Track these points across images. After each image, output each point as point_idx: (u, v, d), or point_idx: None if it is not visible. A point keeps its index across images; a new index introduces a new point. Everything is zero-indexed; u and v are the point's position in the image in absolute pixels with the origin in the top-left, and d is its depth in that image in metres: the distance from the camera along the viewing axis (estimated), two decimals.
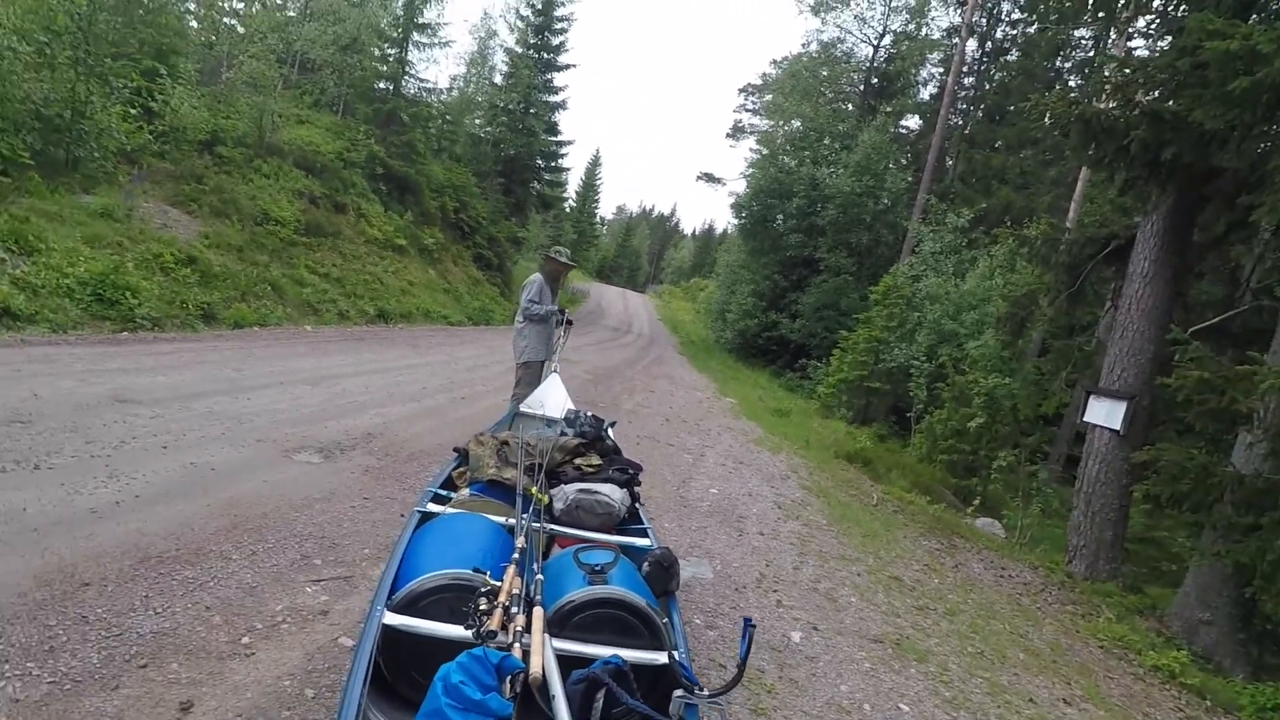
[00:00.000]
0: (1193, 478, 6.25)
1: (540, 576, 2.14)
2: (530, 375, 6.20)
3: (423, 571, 2.07)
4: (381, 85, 22.19)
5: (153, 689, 2.50)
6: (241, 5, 20.54)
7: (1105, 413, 7.60)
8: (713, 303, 33.96)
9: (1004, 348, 10.09)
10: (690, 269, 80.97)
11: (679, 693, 1.84)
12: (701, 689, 1.85)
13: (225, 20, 19.00)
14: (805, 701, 3.36)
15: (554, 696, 1.64)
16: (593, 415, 4.27)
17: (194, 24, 18.25)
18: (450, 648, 1.72)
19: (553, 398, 5.14)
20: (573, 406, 4.72)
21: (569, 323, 6.37)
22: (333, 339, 10.66)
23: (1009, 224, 17.28)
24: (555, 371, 5.76)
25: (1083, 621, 5.92)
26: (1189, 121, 5.96)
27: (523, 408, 5.03)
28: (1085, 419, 7.82)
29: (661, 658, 2.04)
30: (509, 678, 1.57)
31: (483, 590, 1.89)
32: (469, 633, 1.76)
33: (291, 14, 20.11)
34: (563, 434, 3.80)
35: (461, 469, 3.29)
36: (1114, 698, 4.52)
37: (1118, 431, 7.41)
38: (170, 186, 12.63)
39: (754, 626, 1.86)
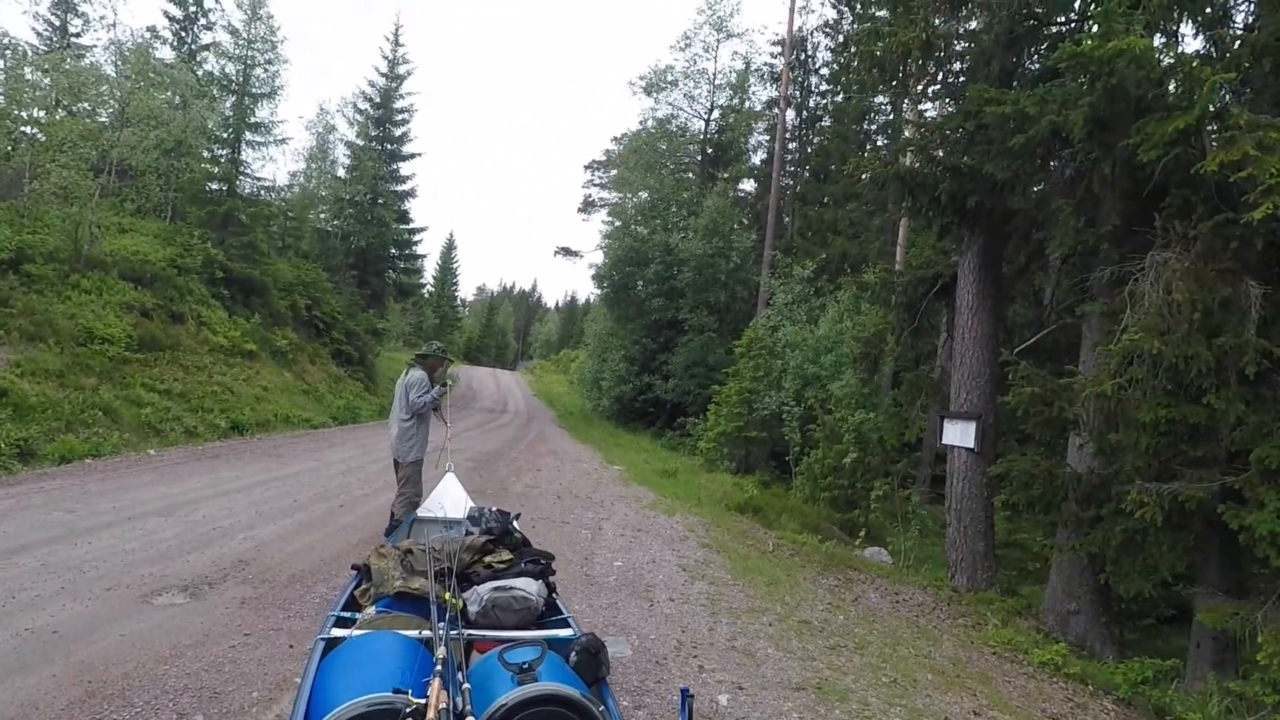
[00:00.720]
0: (1041, 482, 6.97)
1: (466, 685, 2.02)
2: (417, 473, 6.23)
3: (336, 704, 1.90)
4: (214, 186, 21.08)
5: None
6: (43, 114, 18.99)
7: (959, 433, 8.36)
8: (585, 372, 34.22)
9: (863, 385, 10.90)
10: (558, 341, 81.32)
11: None
12: None
13: (24, 129, 17.44)
14: None
15: None
16: (497, 510, 4.18)
17: None
18: None
19: (450, 497, 4.98)
20: (473, 504, 4.58)
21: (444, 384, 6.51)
22: (182, 460, 9.67)
23: (849, 271, 18.92)
24: (450, 470, 5.61)
25: (974, 632, 6.33)
26: (983, 173, 6.90)
27: (420, 512, 4.88)
28: (943, 441, 8.55)
29: None
30: None
31: (407, 711, 1.78)
32: None
33: (104, 120, 18.78)
34: (468, 533, 3.69)
35: (364, 587, 3.12)
36: (1014, 700, 4.84)
37: (973, 449, 8.16)
38: None
39: (692, 696, 1.84)
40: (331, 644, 2.50)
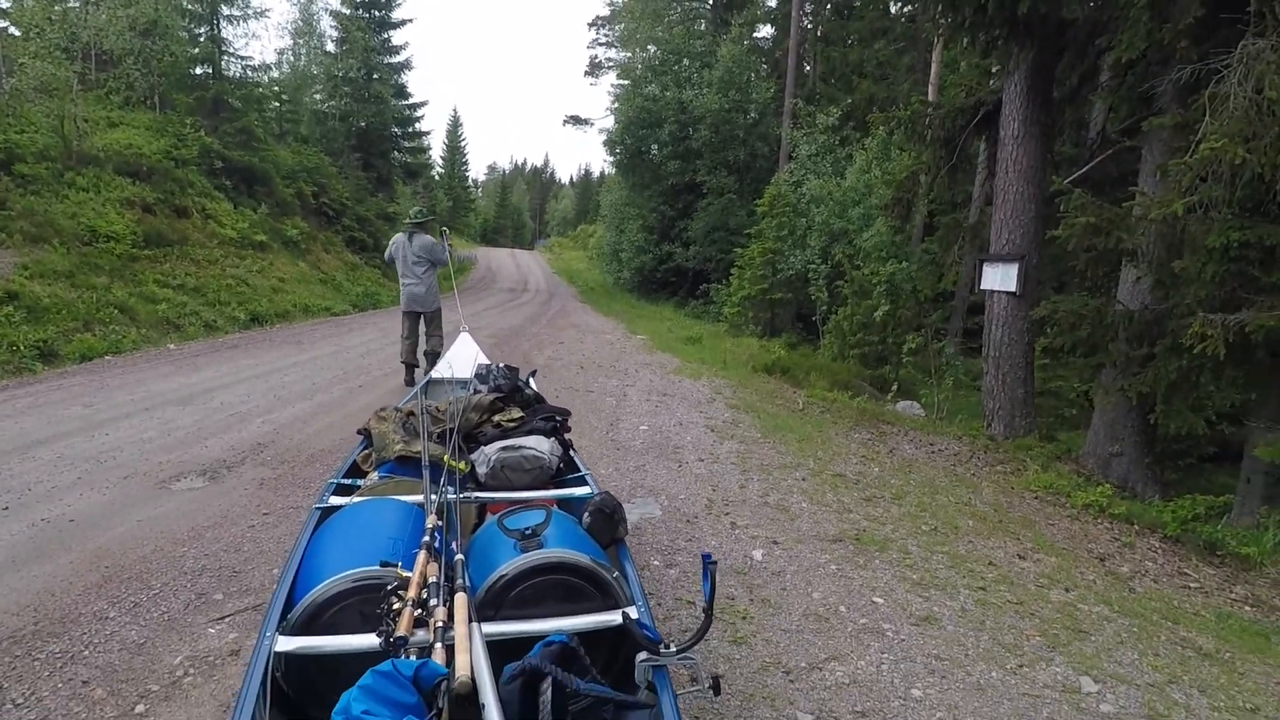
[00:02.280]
0: (1089, 323, 6.53)
1: (460, 556, 1.84)
2: (440, 317, 7.67)
3: (324, 578, 1.74)
4: (198, 71, 19.91)
5: None
6: (9, 4, 17.73)
7: (1000, 277, 7.84)
8: (604, 246, 33.47)
9: (895, 233, 10.26)
10: (575, 217, 79.60)
11: (642, 656, 1.60)
12: (667, 645, 1.62)
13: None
14: (781, 618, 3.22)
15: (484, 704, 1.33)
16: (506, 366, 3.92)
17: None
18: (367, 660, 1.39)
19: (461, 357, 4.80)
20: (485, 361, 4.36)
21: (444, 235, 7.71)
22: (201, 353, 9.61)
23: (878, 111, 17.67)
24: (464, 330, 5.54)
25: (1014, 478, 6.15)
26: None
27: (433, 374, 4.76)
28: (982, 286, 8.06)
29: (616, 617, 1.78)
30: (431, 688, 1.28)
31: (392, 586, 1.60)
32: (378, 641, 1.47)
33: (73, 3, 17.47)
34: (475, 391, 3.46)
35: (366, 452, 2.92)
36: (1059, 542, 4.68)
37: (1014, 293, 7.67)
38: None
39: (714, 563, 1.64)
40: (327, 513, 2.33)
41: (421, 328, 7.70)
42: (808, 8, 25.13)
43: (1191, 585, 4.32)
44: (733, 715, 2.54)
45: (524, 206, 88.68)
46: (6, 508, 3.85)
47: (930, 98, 16.62)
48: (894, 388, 9.63)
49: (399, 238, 7.48)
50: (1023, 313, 7.77)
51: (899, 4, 23.54)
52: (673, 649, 1.61)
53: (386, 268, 23.81)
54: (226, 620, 2.94)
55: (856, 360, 12.12)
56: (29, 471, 4.40)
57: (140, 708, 2.40)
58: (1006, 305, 7.83)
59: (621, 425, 6.48)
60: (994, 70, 8.19)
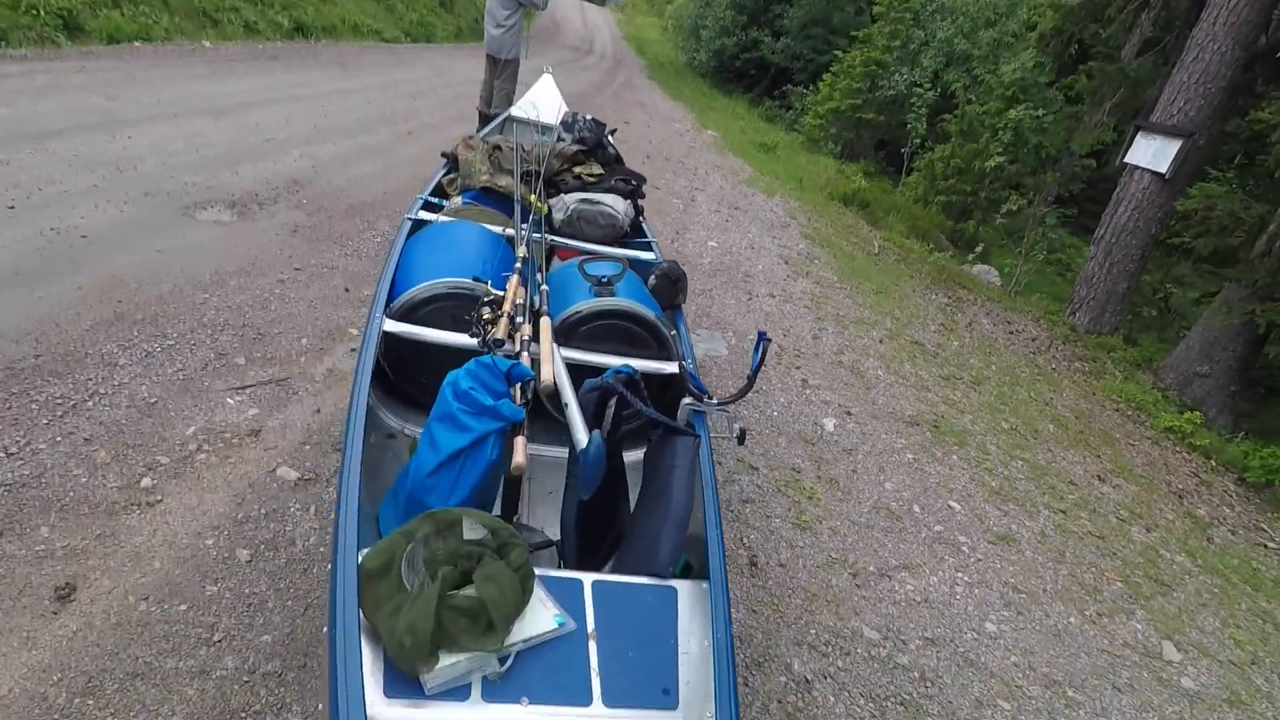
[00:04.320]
0: (1245, 232, 5.61)
1: (545, 287, 2.06)
2: (515, 71, 6.69)
3: (419, 280, 1.95)
4: None
5: (12, 569, 1.80)
6: None
7: (1153, 153, 6.68)
8: (684, 18, 29.90)
9: (1042, 73, 8.71)
10: None
11: (688, 400, 1.80)
12: (710, 397, 1.82)
13: None
14: (850, 507, 2.90)
15: (566, 404, 1.62)
16: (593, 119, 3.80)
17: None
18: (455, 355, 1.66)
19: (546, 100, 4.73)
20: (569, 110, 4.22)
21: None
22: (239, 57, 8.70)
23: None
24: (549, 72, 5.35)
25: (1095, 381, 5.63)
26: None
27: (514, 110, 4.69)
28: (1127, 159, 6.90)
29: (671, 367, 2.02)
30: (519, 385, 1.53)
31: (485, 299, 1.82)
32: (474, 341, 1.71)
33: None
34: (560, 139, 3.48)
35: (451, 176, 3.06)
36: (1138, 468, 4.28)
37: (1162, 175, 6.57)
38: None
39: (769, 340, 1.79)
40: (418, 225, 2.50)
41: (496, 78, 6.81)
42: None
43: (1270, 546, 3.98)
44: (793, 615, 2.28)
45: None
46: (13, 206, 3.43)
47: None
48: (978, 248, 8.75)
49: None
50: (1163, 200, 6.74)
51: None
52: (715, 401, 1.81)
53: None
54: (248, 392, 2.63)
55: (940, 208, 11.05)
56: (41, 166, 3.92)
57: (147, 481, 2.14)
58: (1147, 187, 6.76)
59: (688, 237, 5.86)
60: None
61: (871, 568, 2.59)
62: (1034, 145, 8.42)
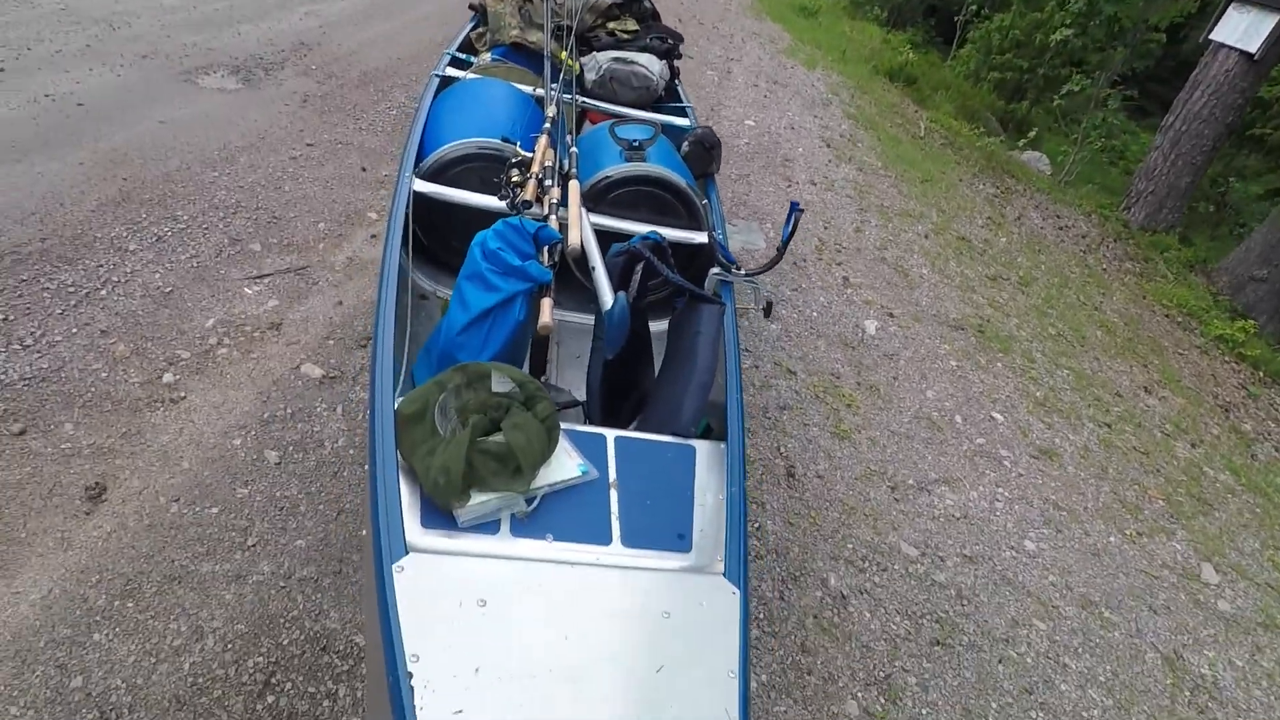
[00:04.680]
0: None
1: (575, 150, 1.99)
2: None
3: (449, 139, 1.90)
4: None
5: (40, 468, 1.75)
6: None
7: (1245, 29, 5.98)
8: None
9: None
10: None
11: (715, 270, 1.78)
12: (738, 268, 1.79)
13: None
14: (890, 416, 2.80)
15: (594, 268, 1.60)
16: None
17: None
18: (484, 217, 1.63)
19: None
20: None
21: None
22: None
23: None
24: None
25: (1145, 283, 5.36)
26: None
27: None
28: (1215, 36, 6.21)
29: (700, 237, 1.97)
30: (546, 247, 1.51)
31: (514, 161, 1.77)
32: (503, 203, 1.67)
33: None
34: None
35: (480, 30, 2.93)
36: (1185, 379, 4.12)
37: (1251, 55, 5.92)
38: None
39: (801, 210, 1.72)
40: (446, 82, 2.42)
41: None
42: None
43: None
44: (830, 528, 2.24)
45: None
46: (2, 68, 3.17)
47: None
48: (1031, 133, 8.15)
49: None
50: (1246, 84, 6.12)
51: None
52: (743, 271, 1.78)
53: None
54: (265, 281, 2.50)
55: (991, 86, 10.24)
56: (28, 22, 3.61)
57: (169, 377, 2.06)
58: (1232, 69, 6.12)
59: (724, 115, 5.44)
60: None
61: (911, 481, 2.52)
62: (1107, 16, 7.61)
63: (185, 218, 2.65)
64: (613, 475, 1.27)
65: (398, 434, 1.17)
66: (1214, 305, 5.50)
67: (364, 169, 3.29)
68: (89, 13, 3.90)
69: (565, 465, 1.23)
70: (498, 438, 1.16)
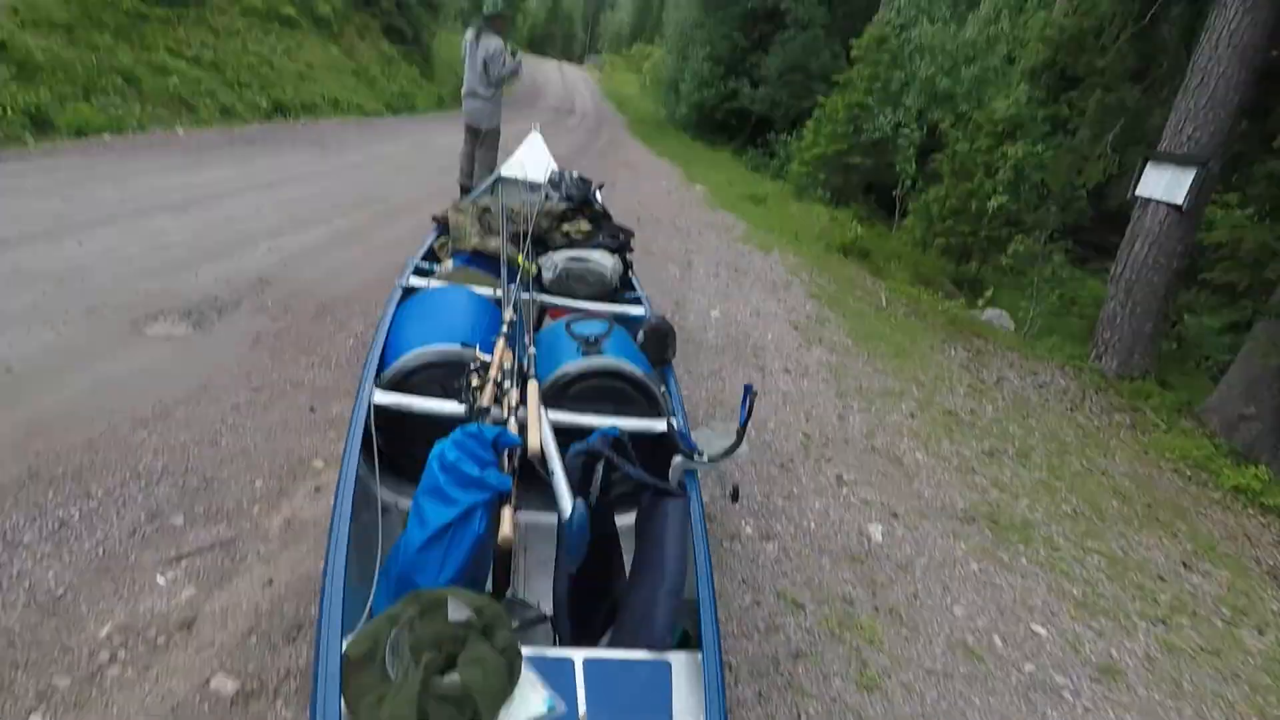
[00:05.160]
0: None
1: (532, 350, 2.06)
2: (496, 139, 6.57)
3: (410, 347, 1.96)
4: None
5: None
6: None
7: (1166, 184, 6.37)
8: (662, 73, 30.38)
9: (1040, 106, 8.50)
10: (630, 34, 73.04)
11: (678, 458, 1.79)
12: (700, 454, 1.78)
13: None
14: (920, 649, 2.41)
15: (553, 471, 1.58)
16: (579, 176, 3.83)
17: None
18: (445, 424, 1.65)
19: (534, 158, 4.91)
20: (556, 168, 4.33)
21: (514, 53, 6.39)
22: (215, 144, 8.46)
23: None
24: (536, 129, 5.56)
25: (1141, 436, 5.19)
26: None
27: (503, 171, 4.83)
28: (1139, 192, 6.60)
29: (660, 425, 1.95)
30: (506, 452, 1.51)
31: (473, 365, 1.82)
32: (463, 408, 1.71)
33: None
34: (547, 198, 3.58)
35: (443, 240, 3.09)
36: (1220, 545, 3.79)
37: (1179, 207, 6.25)
38: None
39: (755, 393, 1.80)
40: (409, 292, 2.51)
41: (478, 150, 6.68)
42: None
43: None
44: None
45: (576, 15, 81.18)
46: None
47: None
48: (988, 293, 8.40)
49: (468, 34, 6.34)
50: (1181, 233, 6.41)
51: None
52: (705, 458, 1.75)
53: (425, 66, 21.73)
54: (183, 564, 2.15)
55: (939, 251, 10.78)
56: None
57: None
58: (1164, 220, 6.44)
59: (689, 307, 5.46)
60: None
61: None
62: (1035, 182, 8.17)
63: (100, 493, 2.35)
64: (582, 708, 1.18)
65: (343, 681, 1.07)
66: (1216, 452, 5.30)
67: (313, 409, 3.07)
68: (41, 270, 3.84)
69: (530, 701, 1.12)
70: (454, 676, 1.06)
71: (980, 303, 8.42)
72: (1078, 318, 10.11)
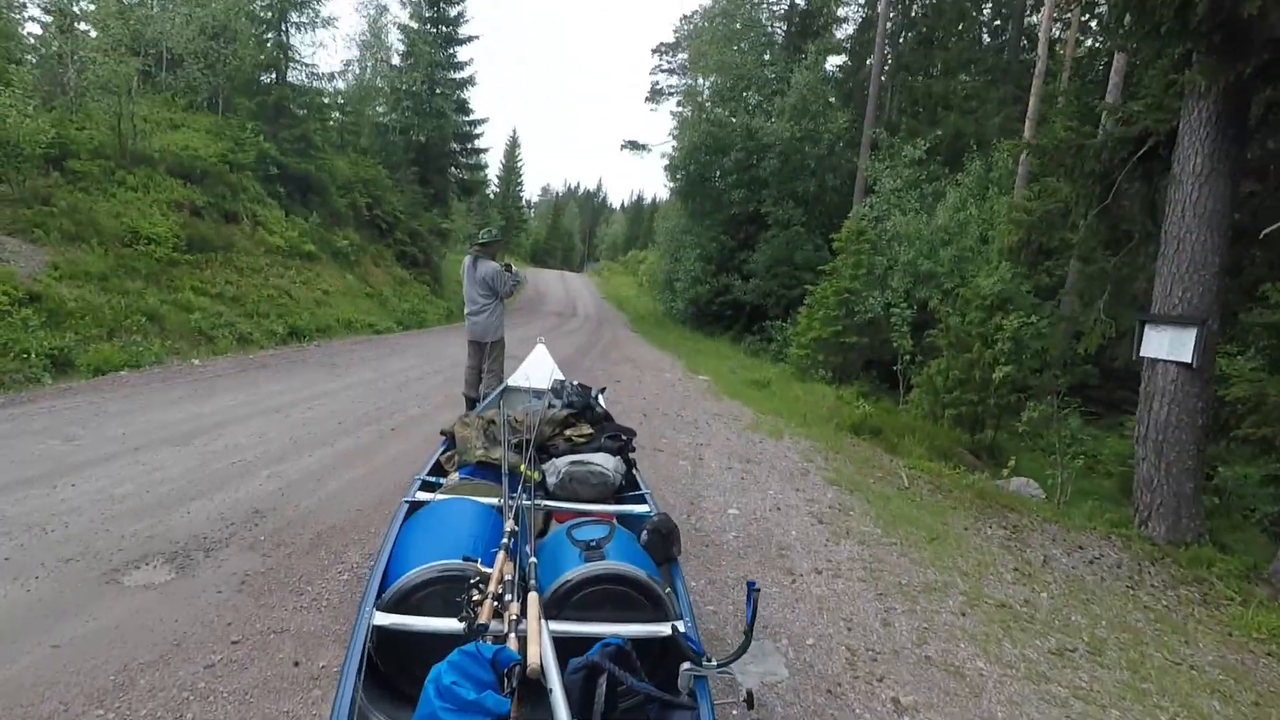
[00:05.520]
0: None
1: (534, 559, 2.01)
2: (502, 350, 6.80)
3: (413, 564, 1.94)
4: (265, 80, 19.55)
5: None
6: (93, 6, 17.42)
7: (1169, 344, 6.38)
8: (657, 273, 32.42)
9: (1023, 280, 8.82)
10: (624, 242, 79.26)
11: (686, 665, 1.75)
12: (709, 659, 1.76)
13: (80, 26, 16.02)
14: None
15: (551, 690, 1.52)
16: (579, 384, 4.04)
17: (35, 29, 15.73)
18: (448, 642, 1.60)
19: (539, 368, 5.06)
20: (560, 376, 4.48)
21: (509, 268, 6.78)
22: (227, 372, 8.69)
23: (975, 148, 16.26)
24: (541, 341, 5.75)
25: (1217, 613, 4.68)
26: None
27: (510, 381, 5.04)
28: (1143, 354, 6.59)
29: (666, 629, 1.89)
30: (505, 671, 1.48)
31: (474, 579, 1.79)
32: (462, 626, 1.66)
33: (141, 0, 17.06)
34: (550, 406, 3.61)
35: (449, 453, 3.16)
36: None
37: (1188, 364, 6.21)
38: (7, 212, 10.32)
39: (758, 590, 1.75)
40: (415, 506, 2.52)
41: (485, 362, 6.86)
42: (889, 25, 23.86)
43: None
44: None
45: (574, 229, 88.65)
46: None
47: (1027, 133, 15.20)
48: (1011, 462, 8.13)
49: (465, 264, 6.83)
50: (1198, 389, 6.31)
51: (990, 35, 22.19)
52: (714, 663, 1.75)
53: (435, 285, 23.23)
54: None
55: (950, 421, 10.64)
56: None
57: None
58: (1176, 379, 6.36)
59: (704, 506, 5.21)
60: (1168, 96, 6.78)
61: None
62: (1036, 352, 8.25)
63: None
64: None
65: None
66: None
67: (297, 663, 2.74)
68: (24, 518, 3.68)
69: None
70: None
71: (1005, 472, 8.12)
72: (1104, 476, 9.73)
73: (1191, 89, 6.04)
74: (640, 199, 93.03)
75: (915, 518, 5.65)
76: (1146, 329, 6.61)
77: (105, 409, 6.12)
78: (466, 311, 6.75)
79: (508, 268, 6.70)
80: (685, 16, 31.65)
